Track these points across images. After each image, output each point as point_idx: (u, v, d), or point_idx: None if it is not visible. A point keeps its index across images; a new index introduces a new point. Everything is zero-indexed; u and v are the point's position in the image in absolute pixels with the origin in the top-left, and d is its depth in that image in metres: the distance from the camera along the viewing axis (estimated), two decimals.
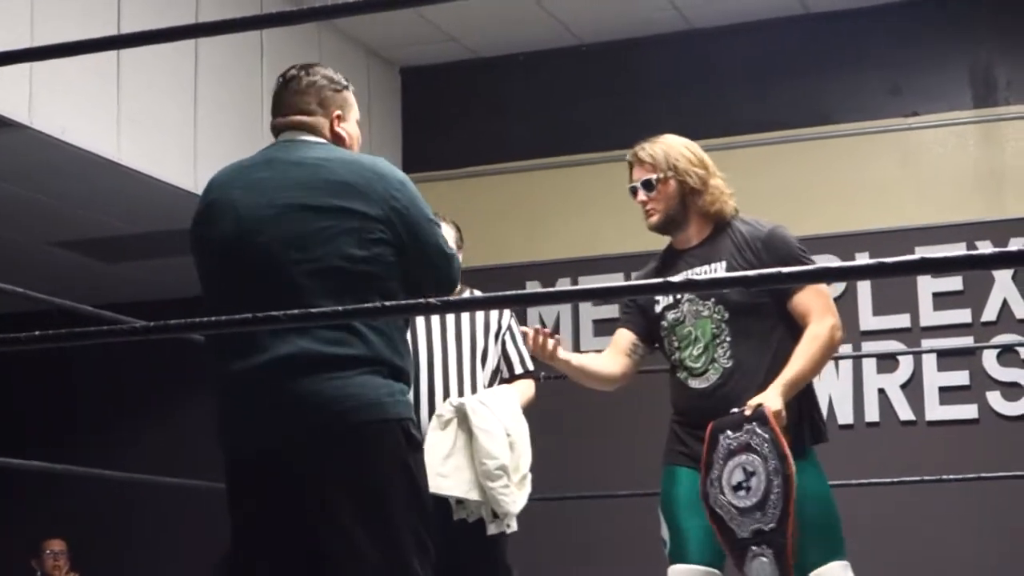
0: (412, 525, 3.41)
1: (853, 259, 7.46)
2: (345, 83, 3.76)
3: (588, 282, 8.00)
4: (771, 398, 3.93)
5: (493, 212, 8.17)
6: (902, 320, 7.65)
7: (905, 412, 7.60)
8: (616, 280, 7.65)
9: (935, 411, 7.59)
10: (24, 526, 8.88)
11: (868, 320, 7.65)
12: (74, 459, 6.33)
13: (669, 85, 8.25)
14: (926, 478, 6.37)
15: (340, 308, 2.79)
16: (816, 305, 4.11)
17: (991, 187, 7.69)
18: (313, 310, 2.91)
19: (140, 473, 6.23)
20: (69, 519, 8.81)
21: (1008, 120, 7.73)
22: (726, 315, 4.11)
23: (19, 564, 8.53)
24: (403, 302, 3.10)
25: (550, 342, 4.11)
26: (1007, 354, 7.51)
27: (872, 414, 7.56)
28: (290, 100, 3.73)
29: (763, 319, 4.12)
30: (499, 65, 8.47)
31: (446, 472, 4.59)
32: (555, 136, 8.30)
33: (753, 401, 3.94)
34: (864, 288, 7.61)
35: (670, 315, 4.22)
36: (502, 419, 4.69)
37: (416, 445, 3.47)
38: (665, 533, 4.15)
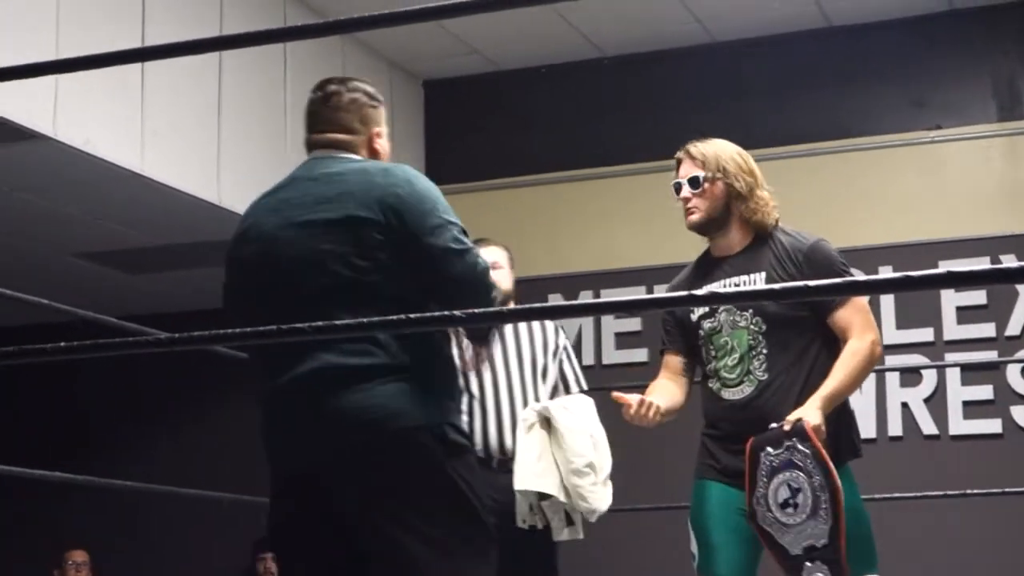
0: (461, 530, 3.39)
1: (876, 273, 7.44)
2: (381, 99, 3.75)
3: (610, 295, 8.00)
4: (810, 412, 3.90)
5: (515, 224, 8.17)
6: (926, 334, 7.62)
7: (929, 426, 7.57)
8: (638, 293, 7.63)
9: (959, 425, 7.56)
10: (45, 537, 8.90)
11: (892, 334, 7.62)
12: (94, 470, 6.34)
13: (691, 98, 8.24)
14: (950, 492, 6.35)
15: (364, 320, 2.78)
16: (857, 321, 4.09)
17: (1015, 200, 7.67)
18: (337, 322, 2.89)
19: (159, 483, 6.24)
20: (91, 529, 8.83)
21: None
22: (764, 327, 4.07)
23: (42, 575, 8.54)
24: (427, 315, 3.07)
25: (651, 411, 4.05)
26: None
27: (895, 428, 7.54)
28: (330, 116, 3.67)
29: (801, 333, 4.09)
30: (521, 77, 8.48)
31: (539, 471, 4.70)
32: (577, 149, 8.30)
33: (792, 416, 3.91)
34: (888, 302, 7.59)
35: (706, 324, 4.17)
36: (585, 421, 4.80)
37: (456, 448, 3.42)
38: (694, 547, 4.12)
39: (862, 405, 7.56)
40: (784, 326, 4.06)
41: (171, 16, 6.74)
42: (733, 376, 4.11)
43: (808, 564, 3.85)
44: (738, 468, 4.03)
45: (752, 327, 4.09)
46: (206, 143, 7.01)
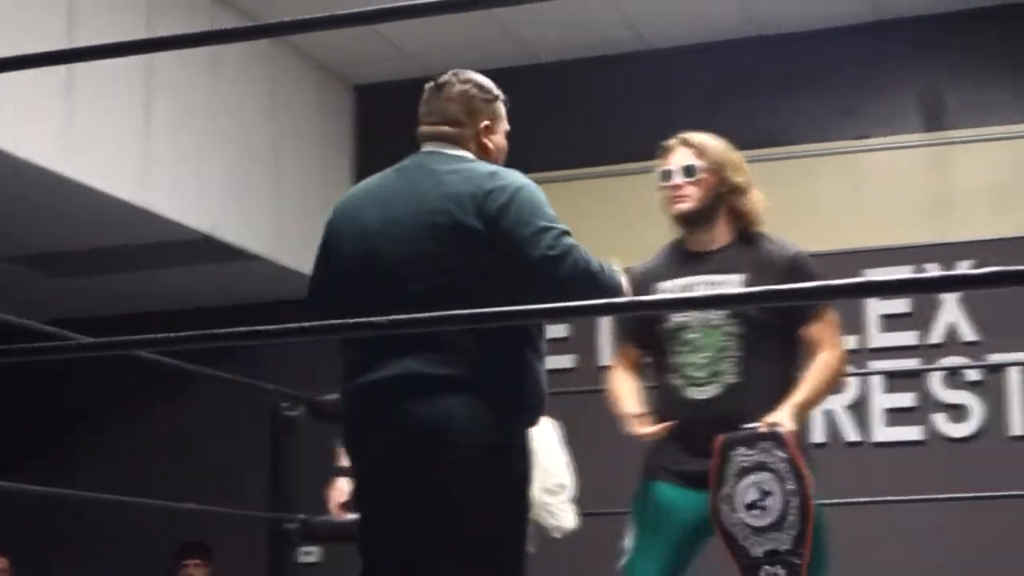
0: (490, 557, 3.38)
1: None
2: (497, 93, 3.68)
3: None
4: (785, 419, 3.90)
5: None
6: (849, 342, 7.68)
7: (851, 433, 7.63)
8: None
9: (881, 433, 7.63)
10: None
11: None
12: (17, 476, 6.27)
13: (625, 104, 8.27)
14: (872, 499, 6.40)
15: (381, 319, 2.75)
16: (829, 335, 4.10)
17: (940, 210, 7.75)
18: (373, 320, 2.62)
19: (82, 489, 6.18)
20: (13, 536, 8.72)
21: (957, 144, 7.79)
22: (737, 329, 4.03)
23: None
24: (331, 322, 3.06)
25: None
26: (953, 376, 7.55)
27: (819, 435, 7.59)
28: (439, 106, 3.64)
29: (773, 340, 4.07)
30: None
31: None
32: (511, 154, 8.28)
33: (768, 419, 3.90)
34: None
35: (676, 318, 4.09)
36: (555, 441, 4.85)
37: (508, 473, 3.40)
38: (628, 543, 4.10)
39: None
40: (758, 330, 4.03)
41: (98, 18, 6.68)
42: (701, 375, 4.04)
43: (767, 567, 3.84)
44: (691, 470, 4.01)
45: (727, 328, 4.04)
46: (134, 146, 6.96)
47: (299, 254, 8.12)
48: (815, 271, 4.16)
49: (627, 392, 4.19)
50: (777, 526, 3.85)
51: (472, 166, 3.52)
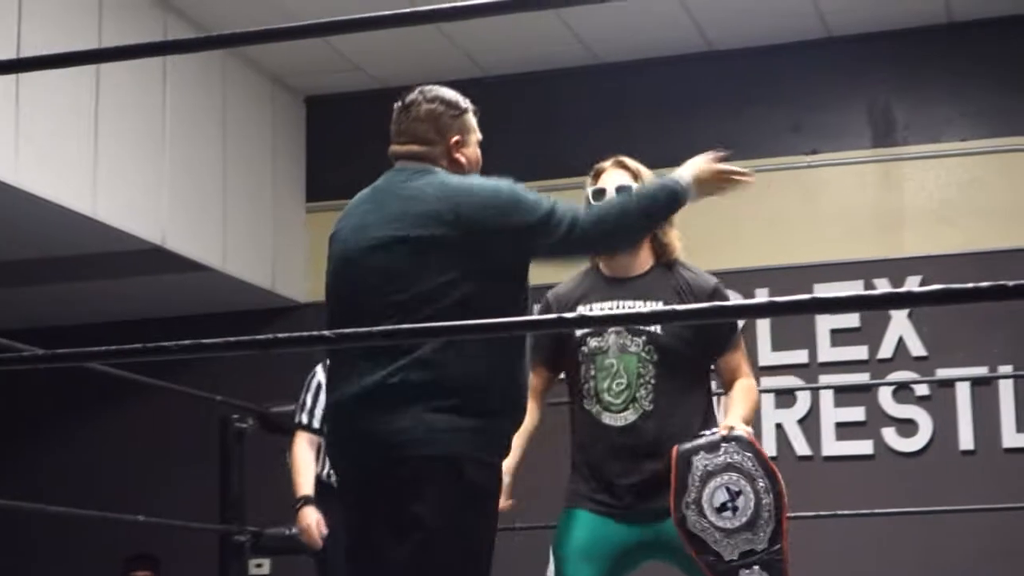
0: (455, 567, 3.40)
1: (752, 294, 7.53)
2: (464, 106, 3.71)
3: None
4: (739, 424, 3.94)
5: None
6: (800, 356, 7.72)
7: (802, 447, 7.66)
8: None
9: (831, 447, 7.67)
10: None
11: (767, 355, 7.71)
12: None
13: (574, 119, 8.29)
14: (821, 513, 6.43)
15: (333, 332, 2.74)
16: (744, 364, 4.15)
17: (889, 226, 7.79)
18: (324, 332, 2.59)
19: (28, 500, 6.13)
20: None
21: (906, 160, 7.84)
22: (655, 356, 4.02)
23: None
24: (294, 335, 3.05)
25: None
26: (902, 391, 7.60)
27: (769, 449, 7.61)
28: (408, 126, 3.66)
29: (688, 369, 4.08)
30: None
31: None
32: None
33: (727, 423, 3.93)
34: (763, 324, 7.68)
35: (592, 342, 4.07)
36: None
37: (471, 484, 3.40)
38: (550, 574, 4.05)
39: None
40: (674, 358, 4.03)
41: (48, 27, 6.64)
42: (618, 401, 4.03)
43: (744, 570, 3.83)
44: (609, 501, 4.00)
45: (643, 354, 4.03)
46: (83, 155, 6.91)
47: (249, 265, 8.10)
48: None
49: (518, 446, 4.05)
50: (750, 525, 3.84)
51: (434, 179, 3.55)
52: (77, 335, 8.20)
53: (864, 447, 7.62)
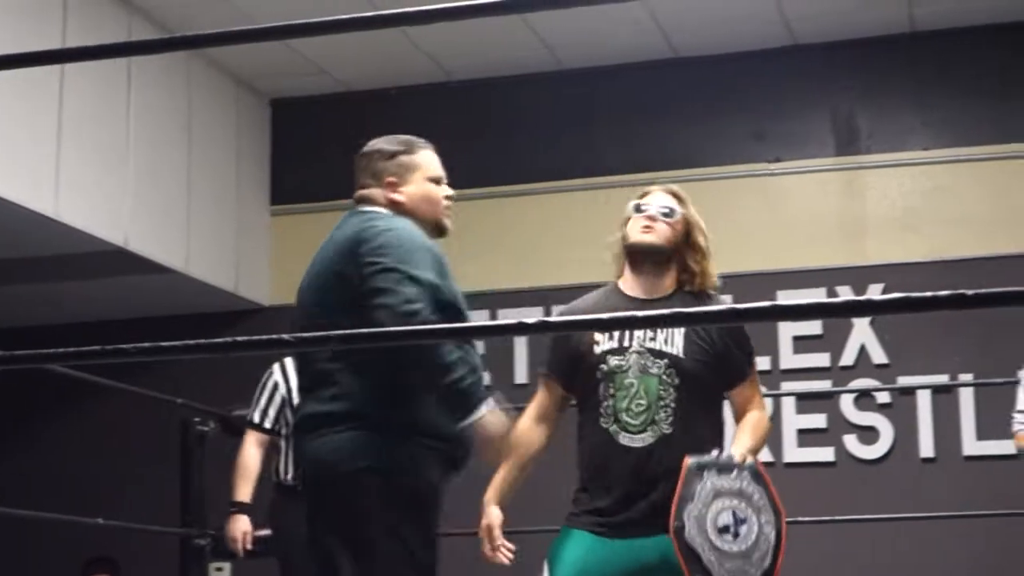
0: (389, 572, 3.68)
1: None
2: (400, 149, 4.02)
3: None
4: (751, 458, 3.98)
5: None
6: (762, 363, 7.71)
7: (764, 454, 7.66)
8: (482, 318, 7.63)
9: (793, 453, 7.69)
10: None
11: None
12: None
13: (538, 124, 8.30)
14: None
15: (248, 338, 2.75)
16: (758, 397, 4.18)
17: (852, 234, 7.83)
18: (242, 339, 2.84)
19: None
20: None
21: (869, 168, 7.88)
22: (676, 380, 4.02)
23: None
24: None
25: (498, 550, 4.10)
26: (864, 398, 7.63)
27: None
28: (358, 177, 4.03)
29: (707, 395, 4.09)
30: (369, 98, 8.45)
31: None
32: None
33: (740, 451, 3.95)
34: None
35: (612, 360, 4.06)
36: None
37: (398, 495, 3.68)
38: None
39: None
40: (694, 383, 4.04)
41: (12, 27, 6.61)
42: (637, 422, 4.01)
43: None
44: (615, 521, 3.99)
45: (664, 377, 4.02)
46: (46, 156, 6.88)
47: (212, 267, 8.08)
48: (749, 339, 4.21)
49: (516, 442, 4.14)
50: (746, 555, 3.84)
51: (368, 218, 3.87)
52: (39, 336, 8.16)
53: (825, 454, 7.65)
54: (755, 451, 4.07)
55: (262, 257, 8.51)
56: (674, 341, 4.06)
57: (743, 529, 3.86)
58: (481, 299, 7.68)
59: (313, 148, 8.50)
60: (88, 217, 7.11)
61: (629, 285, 4.19)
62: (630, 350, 4.06)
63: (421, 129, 8.85)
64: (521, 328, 2.41)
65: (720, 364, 4.08)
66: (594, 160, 8.08)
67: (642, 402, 4.03)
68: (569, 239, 7.81)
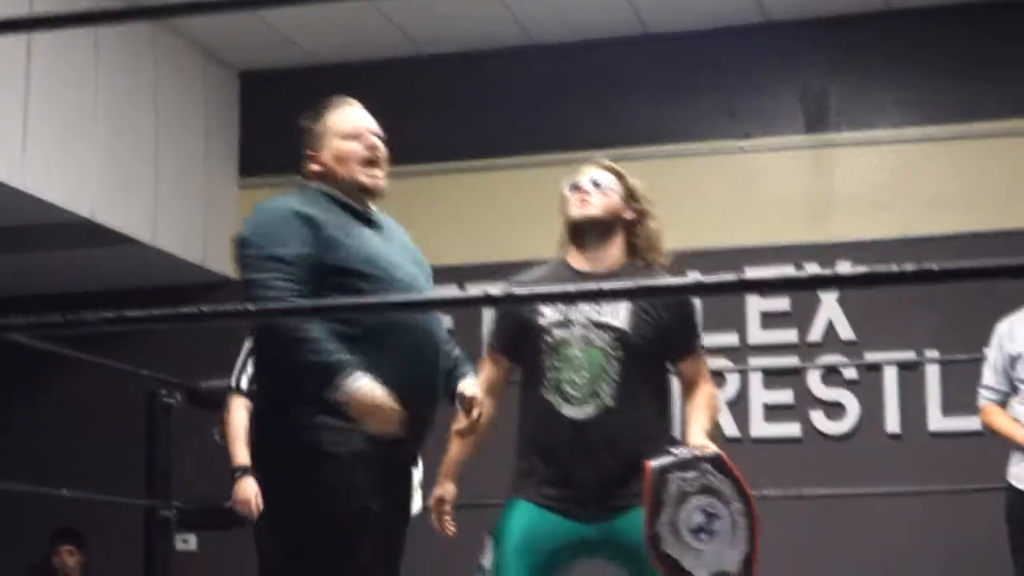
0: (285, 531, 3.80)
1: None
2: (308, 121, 4.03)
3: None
4: (711, 444, 3.99)
5: None
6: (730, 338, 7.76)
7: (731, 429, 7.70)
8: (452, 290, 7.62)
9: (760, 428, 7.72)
10: None
11: None
12: None
13: (508, 99, 8.28)
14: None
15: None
16: (706, 370, 4.21)
17: (821, 211, 7.84)
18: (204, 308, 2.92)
19: None
20: None
21: (838, 147, 7.89)
22: (621, 353, 4.03)
23: None
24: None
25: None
26: (831, 374, 7.66)
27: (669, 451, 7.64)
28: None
29: (652, 369, 4.11)
30: (339, 71, 8.42)
31: None
32: (396, 145, 8.26)
33: (698, 442, 3.96)
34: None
35: (557, 332, 4.07)
36: None
37: (286, 461, 3.78)
38: (487, 563, 4.06)
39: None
40: (639, 357, 4.05)
41: None
42: (578, 394, 4.03)
43: None
44: (557, 495, 4.00)
45: (608, 350, 4.04)
46: (12, 126, 6.83)
47: (180, 240, 8.05)
48: (698, 314, 4.24)
49: (454, 449, 4.26)
50: (724, 547, 3.85)
51: (267, 204, 3.95)
52: (3, 308, 8.13)
53: (792, 429, 7.68)
54: (708, 432, 4.10)
55: (230, 229, 8.47)
56: (620, 314, 4.07)
57: (717, 525, 3.86)
58: (452, 273, 7.68)
59: (282, 120, 8.36)
60: (54, 188, 7.07)
61: (576, 260, 4.21)
62: (575, 322, 4.06)
63: (391, 103, 8.87)
64: (487, 300, 2.41)
65: (666, 338, 4.10)
66: (564, 135, 8.06)
67: (585, 374, 4.04)
68: (540, 214, 7.75)
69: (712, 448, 3.96)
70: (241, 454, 5.59)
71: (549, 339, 4.08)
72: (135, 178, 7.68)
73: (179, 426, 6.25)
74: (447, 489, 4.24)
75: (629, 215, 4.20)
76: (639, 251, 4.20)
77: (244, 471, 5.50)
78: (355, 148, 3.92)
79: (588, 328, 4.06)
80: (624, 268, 4.17)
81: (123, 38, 7.54)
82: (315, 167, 3.94)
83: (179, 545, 7.83)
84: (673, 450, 3.94)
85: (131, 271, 8.23)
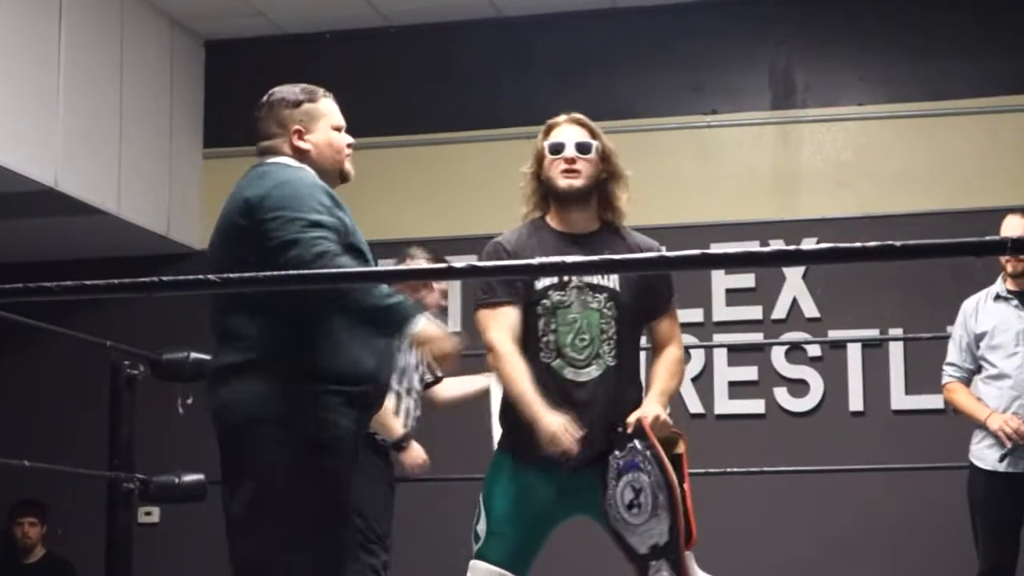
0: (289, 524, 3.66)
1: None
2: (303, 97, 3.99)
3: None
4: (651, 407, 3.98)
5: None
6: (695, 315, 7.76)
7: (695, 405, 7.72)
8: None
9: (724, 405, 7.74)
10: None
11: None
12: None
13: (476, 72, 8.26)
14: (712, 471, 6.48)
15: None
16: (677, 331, 4.22)
17: (786, 187, 7.86)
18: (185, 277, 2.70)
19: None
20: None
21: (805, 123, 7.90)
22: (615, 313, 4.06)
23: None
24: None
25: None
26: (795, 351, 7.68)
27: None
28: (259, 128, 4.01)
29: (638, 328, 4.16)
30: (306, 42, 8.39)
31: None
32: (359, 117, 8.20)
33: (632, 418, 3.96)
34: None
35: (555, 295, 4.07)
36: None
37: (296, 445, 3.66)
38: (481, 528, 4.05)
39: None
40: (630, 316, 4.08)
41: None
42: (582, 356, 4.04)
43: (653, 562, 3.87)
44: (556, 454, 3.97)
45: (605, 311, 4.06)
46: None
47: (144, 210, 8.01)
48: (672, 277, 4.24)
49: (517, 369, 4.03)
50: (652, 520, 3.88)
51: (262, 169, 3.88)
52: None
53: (756, 406, 7.70)
54: (671, 395, 4.11)
55: (194, 200, 8.44)
56: (611, 275, 4.09)
57: (642, 498, 3.90)
58: (432, 245, 7.67)
59: (247, 91, 8.28)
60: (18, 156, 7.02)
61: (557, 221, 4.19)
62: (570, 285, 4.07)
63: (358, 74, 8.86)
64: (451, 272, 2.40)
65: (647, 296, 4.12)
66: (531, 109, 8.02)
67: (585, 336, 4.05)
68: (506, 187, 7.76)
69: (647, 414, 3.95)
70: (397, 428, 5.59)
71: (547, 303, 4.08)
72: (99, 147, 7.63)
73: (142, 398, 6.22)
74: (555, 419, 3.97)
75: (610, 172, 4.20)
76: (613, 211, 4.21)
77: (406, 438, 5.52)
78: (344, 141, 4.02)
79: (583, 290, 4.07)
80: (601, 231, 4.19)
81: (88, 6, 7.48)
82: (303, 145, 3.93)
83: (142, 518, 7.81)
84: (619, 429, 3.98)
85: (95, 241, 8.19)
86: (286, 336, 3.72)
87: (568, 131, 4.24)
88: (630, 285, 4.09)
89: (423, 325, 3.70)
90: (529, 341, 4.08)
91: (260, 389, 3.69)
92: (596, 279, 4.07)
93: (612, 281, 4.09)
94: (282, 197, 3.72)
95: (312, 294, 3.61)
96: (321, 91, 4.06)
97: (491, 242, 4.23)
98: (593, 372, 4.05)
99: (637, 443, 3.92)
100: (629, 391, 4.10)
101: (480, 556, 4.03)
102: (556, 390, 4.03)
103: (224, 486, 3.79)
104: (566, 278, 4.07)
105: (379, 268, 3.08)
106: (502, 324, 4.07)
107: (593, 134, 4.24)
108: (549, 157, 4.19)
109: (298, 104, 3.97)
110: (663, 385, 4.08)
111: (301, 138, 3.94)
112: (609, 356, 4.06)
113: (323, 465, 3.69)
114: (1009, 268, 5.69)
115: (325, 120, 4.00)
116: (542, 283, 4.09)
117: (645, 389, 4.15)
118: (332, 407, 3.72)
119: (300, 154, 3.93)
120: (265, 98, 4.02)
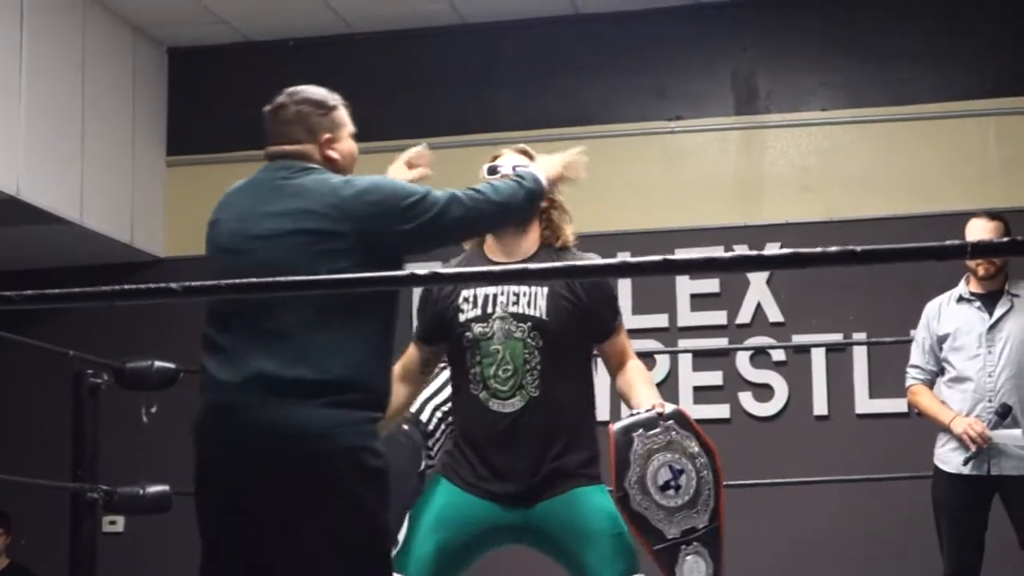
0: (364, 558, 3.48)
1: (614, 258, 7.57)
2: (333, 103, 3.86)
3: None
4: (657, 398, 4.01)
5: None
6: (660, 320, 7.78)
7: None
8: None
9: (689, 410, 7.70)
10: None
11: (628, 319, 7.61)
12: None
13: (440, 79, 8.26)
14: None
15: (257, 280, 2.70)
16: (629, 346, 4.22)
17: (750, 193, 7.88)
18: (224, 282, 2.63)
19: None
20: None
21: (768, 128, 7.93)
22: (540, 342, 4.01)
23: None
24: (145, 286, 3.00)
25: None
26: (759, 356, 7.70)
27: (628, 411, 7.67)
28: (279, 130, 3.80)
29: (575, 354, 4.10)
30: (269, 49, 8.37)
31: None
32: None
33: (656, 401, 3.97)
34: (624, 287, 7.71)
35: (477, 328, 4.05)
36: None
37: (370, 474, 3.47)
38: (401, 535, 4.05)
39: (597, 388, 7.68)
40: (561, 345, 4.03)
41: None
42: (505, 388, 4.02)
43: (684, 546, 3.84)
44: (486, 489, 4.00)
45: (528, 340, 4.02)
46: None
47: (107, 218, 7.97)
48: (615, 295, 4.22)
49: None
50: (692, 503, 3.86)
51: (326, 176, 3.69)
52: None
53: (721, 411, 7.72)
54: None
55: (157, 208, 8.41)
56: (537, 303, 4.05)
57: (683, 480, 3.87)
58: None
59: (210, 99, 8.40)
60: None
61: (493, 249, 4.18)
62: (493, 316, 4.05)
63: (322, 82, 8.78)
64: (413, 280, 2.40)
65: (586, 320, 4.08)
66: (495, 115, 8.06)
67: (508, 367, 4.03)
68: None
69: (671, 405, 3.97)
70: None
71: (469, 335, 4.06)
72: (61, 155, 7.59)
73: (106, 407, 6.19)
74: None
75: (548, 201, 4.18)
76: (554, 236, 4.19)
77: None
78: (355, 150, 3.92)
79: (506, 320, 4.04)
80: (540, 254, 4.15)
81: (50, 13, 7.45)
82: (333, 155, 3.78)
83: (107, 527, 7.78)
84: (634, 411, 3.96)
85: (58, 250, 8.15)
86: (360, 356, 3.53)
87: (508, 157, 4.24)
88: (561, 311, 4.04)
89: (543, 172, 3.91)
90: (460, 372, 4.10)
91: (340, 415, 3.45)
92: (521, 308, 4.04)
93: (538, 310, 4.04)
94: (386, 198, 3.64)
95: (377, 304, 3.53)
96: (338, 96, 3.94)
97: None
98: (517, 403, 4.01)
99: (675, 425, 3.90)
100: (562, 422, 4.03)
101: (399, 560, 3.99)
102: (484, 422, 4.03)
103: (274, 509, 3.47)
104: (490, 310, 4.04)
105: (366, 275, 3.03)
106: (402, 361, 4.15)
107: (532, 159, 4.21)
108: (487, 180, 4.18)
109: (329, 110, 3.85)
110: (646, 390, 4.09)
111: (330, 146, 3.79)
112: (532, 387, 4.01)
113: (387, 499, 3.56)
114: (981, 271, 5.72)
115: (347, 128, 3.89)
116: (466, 315, 4.07)
117: (629, 398, 4.14)
118: (377, 435, 3.58)
119: (330, 163, 3.78)
120: (285, 98, 3.83)
